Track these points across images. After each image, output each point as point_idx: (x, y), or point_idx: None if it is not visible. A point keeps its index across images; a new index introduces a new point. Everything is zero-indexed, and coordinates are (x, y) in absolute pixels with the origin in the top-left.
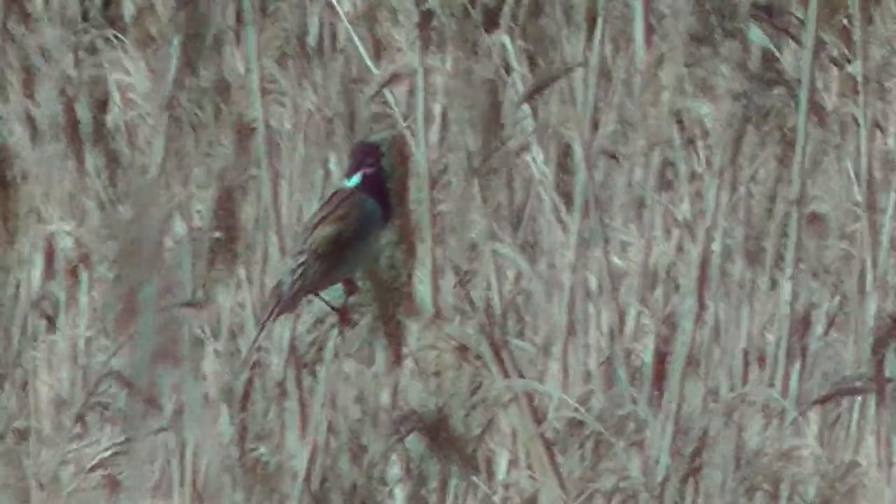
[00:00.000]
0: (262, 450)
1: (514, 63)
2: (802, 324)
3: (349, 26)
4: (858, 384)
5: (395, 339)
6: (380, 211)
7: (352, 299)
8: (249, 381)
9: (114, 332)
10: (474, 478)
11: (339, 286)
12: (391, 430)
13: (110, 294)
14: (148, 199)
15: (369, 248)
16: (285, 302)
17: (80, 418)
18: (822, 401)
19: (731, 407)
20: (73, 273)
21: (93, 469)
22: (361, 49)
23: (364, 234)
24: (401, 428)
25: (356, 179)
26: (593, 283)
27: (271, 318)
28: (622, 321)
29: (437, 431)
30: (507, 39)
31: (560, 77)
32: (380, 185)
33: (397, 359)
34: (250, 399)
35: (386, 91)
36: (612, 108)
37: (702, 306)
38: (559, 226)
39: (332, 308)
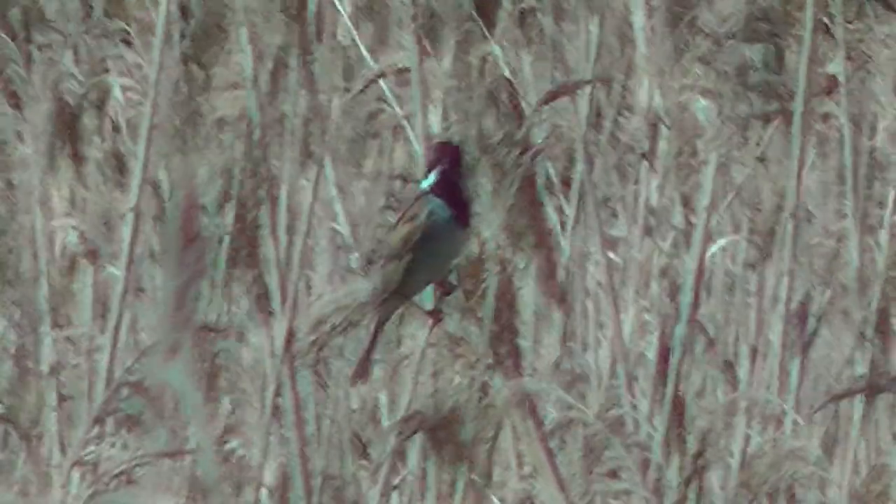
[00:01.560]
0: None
1: (505, 72)
2: (799, 321)
3: (349, 23)
4: (860, 385)
5: (514, 351)
6: (449, 212)
7: (445, 301)
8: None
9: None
10: (476, 478)
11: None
12: (394, 431)
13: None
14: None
15: (444, 250)
16: (382, 310)
17: (97, 421)
18: (831, 401)
19: (730, 409)
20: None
21: (116, 476)
22: (361, 46)
23: (434, 237)
24: (404, 429)
25: (430, 180)
26: (591, 281)
27: (377, 329)
28: (619, 318)
29: (440, 433)
30: (498, 50)
31: (572, 91)
32: (453, 185)
33: (517, 367)
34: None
35: (385, 88)
36: (612, 106)
37: (697, 304)
38: (557, 223)
39: (424, 311)
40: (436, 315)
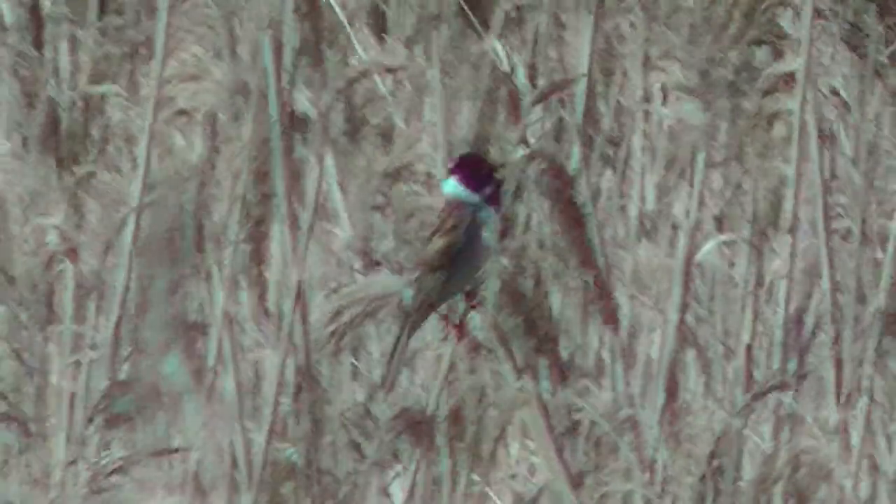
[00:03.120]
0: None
1: (506, 68)
2: (797, 322)
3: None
4: (785, 379)
5: (557, 371)
6: (496, 223)
7: (472, 315)
8: None
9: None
10: (473, 476)
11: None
12: (387, 428)
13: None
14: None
15: (481, 262)
16: (413, 319)
17: (89, 421)
18: (756, 398)
19: (744, 409)
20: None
21: (110, 474)
22: (357, 44)
23: (473, 249)
24: (395, 426)
25: (485, 191)
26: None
27: (405, 339)
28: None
29: (430, 430)
30: (498, 45)
31: (566, 87)
32: (500, 197)
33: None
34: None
35: (380, 84)
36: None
37: (686, 303)
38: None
39: (451, 324)
40: (462, 328)
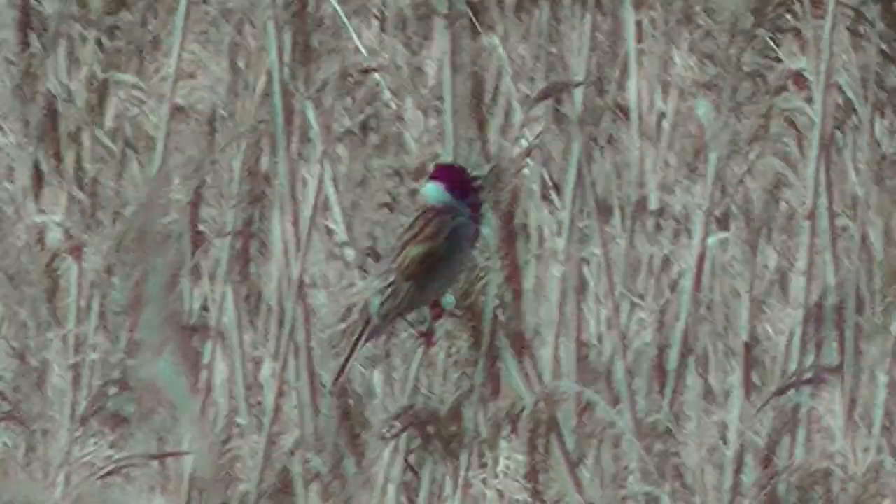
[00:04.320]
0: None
1: (505, 65)
2: (817, 318)
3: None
4: (810, 376)
5: (493, 374)
6: (476, 232)
7: (439, 323)
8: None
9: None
10: (471, 475)
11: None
12: (387, 425)
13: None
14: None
15: (456, 271)
16: (375, 325)
17: (83, 420)
18: (778, 393)
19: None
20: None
21: (107, 474)
22: (355, 38)
23: (451, 258)
24: (397, 423)
25: (469, 199)
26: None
27: (362, 342)
28: (617, 314)
29: (433, 428)
30: (497, 41)
31: (565, 90)
32: (479, 206)
33: (495, 392)
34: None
35: (381, 79)
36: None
37: (698, 300)
38: (552, 218)
39: (418, 332)
40: (430, 336)
